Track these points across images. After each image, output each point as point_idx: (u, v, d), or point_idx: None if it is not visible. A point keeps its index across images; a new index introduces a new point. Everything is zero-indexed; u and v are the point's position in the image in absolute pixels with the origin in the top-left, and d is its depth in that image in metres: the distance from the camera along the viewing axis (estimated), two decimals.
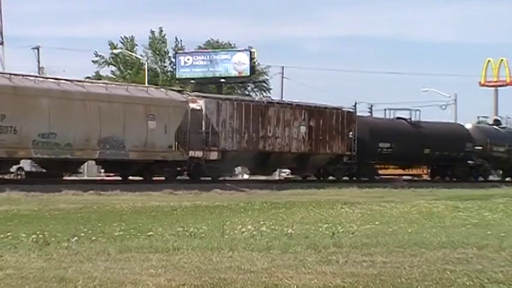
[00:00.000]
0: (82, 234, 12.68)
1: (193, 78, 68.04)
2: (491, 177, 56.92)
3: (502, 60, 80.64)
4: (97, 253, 10.17)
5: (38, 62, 66.23)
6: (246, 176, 47.80)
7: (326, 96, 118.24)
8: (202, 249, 10.59)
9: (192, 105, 36.24)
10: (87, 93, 32.64)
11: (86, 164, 38.00)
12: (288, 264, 9.32)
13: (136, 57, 75.44)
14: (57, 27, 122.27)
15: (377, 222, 16.59)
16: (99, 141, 32.60)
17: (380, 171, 50.23)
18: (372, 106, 49.13)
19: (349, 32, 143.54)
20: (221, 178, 40.62)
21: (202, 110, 36.50)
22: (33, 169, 37.13)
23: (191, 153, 35.98)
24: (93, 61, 77.70)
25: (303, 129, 41.04)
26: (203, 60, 67.64)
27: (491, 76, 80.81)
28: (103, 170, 40.02)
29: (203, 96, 38.48)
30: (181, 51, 73.85)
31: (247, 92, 78.67)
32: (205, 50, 74.10)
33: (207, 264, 9.23)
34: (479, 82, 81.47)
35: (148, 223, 16.48)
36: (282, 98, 64.27)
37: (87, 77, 65.32)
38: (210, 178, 36.91)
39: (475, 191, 37.94)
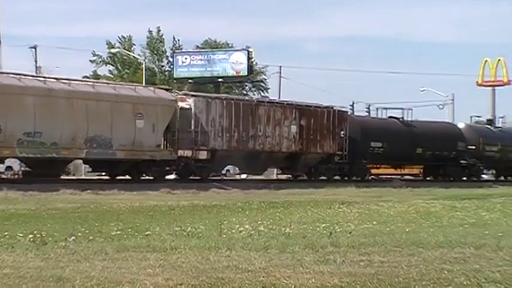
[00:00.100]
0: (79, 233, 12.68)
1: (191, 78, 68.06)
2: (485, 177, 57.00)
3: (499, 60, 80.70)
4: (94, 252, 10.17)
5: (36, 61, 66.30)
6: (243, 176, 47.72)
7: (325, 95, 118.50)
8: (199, 249, 10.60)
9: (181, 104, 35.88)
10: (74, 91, 32.24)
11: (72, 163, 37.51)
12: (285, 263, 9.33)
13: (134, 56, 75.44)
14: (55, 27, 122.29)
15: (374, 222, 16.59)
16: (86, 140, 32.25)
17: (373, 171, 50.17)
18: (369, 106, 48.87)
19: (347, 32, 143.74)
20: (219, 178, 40.72)
21: (191, 109, 36.14)
22: (27, 168, 36.95)
23: (180, 152, 35.66)
24: (90, 60, 77.79)
25: (294, 128, 40.75)
26: (201, 59, 67.68)
27: (488, 76, 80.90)
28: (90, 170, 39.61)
29: (192, 95, 38.05)
30: (179, 51, 73.87)
31: (245, 92, 78.68)
32: (203, 50, 74.13)
33: (204, 264, 9.23)
34: (477, 82, 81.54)
35: (146, 222, 16.46)
36: (279, 97, 64.29)
37: (85, 77, 65.30)
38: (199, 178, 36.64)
39: (472, 190, 37.95)
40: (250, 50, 67.02)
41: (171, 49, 77.45)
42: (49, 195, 26.12)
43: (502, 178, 55.56)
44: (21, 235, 12.28)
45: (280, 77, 72.19)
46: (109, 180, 34.83)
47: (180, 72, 67.97)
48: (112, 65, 79.21)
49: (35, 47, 66.39)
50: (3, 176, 37.90)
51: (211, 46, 77.92)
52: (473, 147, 50.61)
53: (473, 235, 12.97)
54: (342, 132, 42.83)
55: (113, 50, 75.39)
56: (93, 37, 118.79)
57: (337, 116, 42.83)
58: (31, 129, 30.58)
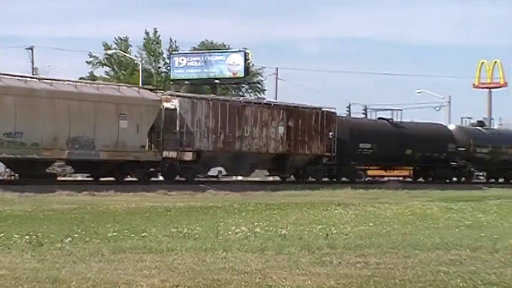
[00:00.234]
0: (76, 235, 12.67)
1: (187, 79, 68.05)
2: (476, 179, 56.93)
3: (495, 62, 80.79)
4: (91, 254, 10.16)
5: (32, 62, 66.22)
6: (240, 177, 47.67)
7: (321, 97, 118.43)
8: (196, 250, 10.60)
9: (166, 104, 35.45)
10: (55, 91, 31.79)
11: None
12: (281, 265, 9.33)
13: (130, 58, 75.42)
14: (52, 27, 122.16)
15: (371, 224, 16.60)
16: (68, 141, 31.79)
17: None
18: (366, 108, 48.58)
19: (345, 33, 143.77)
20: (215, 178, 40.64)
21: (176, 110, 35.71)
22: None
23: (165, 153, 35.21)
24: (87, 62, 77.78)
25: (281, 129, 40.32)
26: (197, 61, 67.65)
27: (485, 78, 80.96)
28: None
29: (177, 95, 37.70)
30: (176, 52, 73.85)
31: (241, 93, 78.70)
32: (200, 51, 74.14)
33: (200, 265, 9.23)
34: (473, 84, 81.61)
35: (142, 224, 16.46)
36: (276, 99, 64.31)
37: (81, 78, 65.29)
38: (184, 179, 36.22)
39: (468, 192, 37.98)
40: (247, 51, 67.01)
41: (168, 50, 77.45)
42: (45, 197, 26.10)
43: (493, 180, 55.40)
44: (17, 236, 12.27)
45: (277, 78, 72.23)
46: (105, 181, 34.71)
47: (176, 74, 67.94)
48: (108, 66, 79.20)
49: (31, 48, 66.34)
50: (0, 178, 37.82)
51: (208, 47, 77.93)
52: (464, 148, 50.18)
53: (470, 237, 12.99)
54: (331, 133, 42.36)
55: (109, 51, 75.36)
56: (89, 38, 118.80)
57: (325, 117, 42.38)
58: (11, 129, 30.14)
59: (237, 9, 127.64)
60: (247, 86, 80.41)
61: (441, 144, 49.01)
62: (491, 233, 13.76)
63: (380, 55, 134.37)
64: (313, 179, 42.20)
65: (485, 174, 57.37)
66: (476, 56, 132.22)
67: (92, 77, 73.06)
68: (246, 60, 65.43)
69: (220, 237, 12.78)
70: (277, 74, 72.30)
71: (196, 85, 67.74)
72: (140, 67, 69.24)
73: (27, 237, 11.86)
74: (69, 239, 11.90)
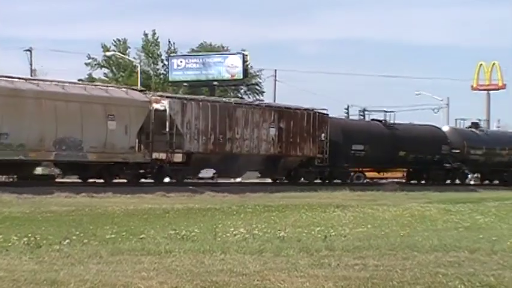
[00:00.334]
0: (74, 237, 12.66)
1: (186, 81, 68.10)
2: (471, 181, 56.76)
3: (494, 64, 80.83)
4: (89, 256, 10.16)
5: (31, 64, 66.22)
6: (238, 179, 47.65)
7: (320, 99, 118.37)
8: (194, 252, 10.59)
9: (155, 105, 35.07)
10: (42, 91, 31.35)
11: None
12: (280, 267, 9.33)
13: (129, 59, 75.44)
14: (51, 29, 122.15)
15: (369, 226, 16.60)
16: (55, 142, 31.34)
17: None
18: (364, 109, 48.47)
19: (343, 35, 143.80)
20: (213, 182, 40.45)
21: (166, 111, 35.34)
22: None
23: (155, 155, 34.82)
24: (85, 63, 77.79)
25: (273, 130, 39.89)
26: (196, 63, 67.70)
27: (483, 80, 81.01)
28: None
29: (167, 96, 37.32)
30: (174, 54, 73.92)
31: (240, 95, 78.74)
32: (198, 53, 74.17)
33: (199, 267, 9.23)
34: (472, 86, 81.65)
35: (141, 226, 16.45)
36: (274, 100, 64.31)
37: (80, 79, 65.28)
38: (174, 181, 35.90)
39: (466, 194, 37.98)
40: (245, 53, 67.08)
41: (166, 52, 77.48)
42: (43, 198, 26.08)
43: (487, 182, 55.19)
44: (15, 238, 12.26)
45: (275, 80, 72.29)
46: (104, 183, 34.65)
47: (175, 76, 67.98)
48: (107, 68, 79.22)
49: (29, 50, 66.34)
50: None
51: (207, 49, 78.00)
52: (458, 150, 49.87)
53: (468, 239, 12.99)
54: (323, 135, 41.98)
55: (108, 53, 75.38)
56: (88, 40, 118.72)
57: (317, 118, 41.97)
58: None
59: (235, 11, 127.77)
60: (245, 88, 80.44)
61: (435, 146, 48.67)
62: (490, 235, 13.77)
63: (379, 57, 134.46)
64: (305, 181, 41.83)
65: (479, 176, 57.21)
66: (475, 57, 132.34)
67: (91, 79, 73.03)
68: (244, 62, 65.48)
69: (219, 239, 12.77)
70: (275, 76, 72.41)
71: (195, 87, 67.76)
72: (139, 69, 69.25)
73: (25, 239, 11.85)
74: (67, 241, 11.89)
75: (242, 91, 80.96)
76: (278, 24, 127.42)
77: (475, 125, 55.34)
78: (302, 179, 42.39)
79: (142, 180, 35.97)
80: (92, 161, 33.02)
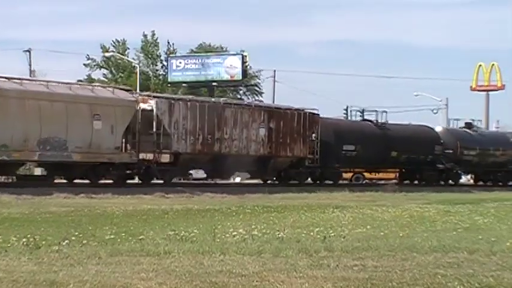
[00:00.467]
0: (73, 237, 12.65)
1: (185, 82, 68.10)
2: (462, 181, 56.54)
3: (493, 64, 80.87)
4: (88, 257, 10.15)
5: (30, 65, 66.21)
6: (237, 180, 47.66)
7: (318, 100, 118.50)
8: (193, 253, 10.59)
9: (142, 105, 34.70)
10: (25, 91, 30.95)
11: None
12: (279, 268, 9.33)
13: (128, 60, 75.44)
14: (50, 30, 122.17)
15: (368, 226, 16.59)
16: (39, 142, 30.96)
17: (347, 175, 48.95)
18: (363, 110, 48.24)
19: (342, 36, 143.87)
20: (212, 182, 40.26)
21: (153, 110, 34.82)
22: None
23: (141, 155, 34.29)
24: (84, 64, 77.78)
25: (263, 131, 39.47)
26: (195, 63, 67.70)
27: (482, 81, 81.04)
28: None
29: (154, 96, 36.97)
30: (174, 55, 73.92)
31: (239, 96, 78.77)
32: (198, 54, 74.18)
33: (198, 268, 9.23)
34: (471, 86, 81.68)
35: (140, 226, 16.45)
36: (273, 101, 64.31)
37: (79, 80, 65.29)
38: (162, 181, 35.55)
39: (466, 195, 37.99)
40: (244, 54, 67.08)
41: (166, 53, 77.51)
42: (43, 199, 26.08)
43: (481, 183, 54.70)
44: (14, 239, 12.25)
45: (275, 81, 72.28)
46: (102, 184, 34.61)
47: (174, 76, 67.99)
48: (106, 68, 79.24)
49: (28, 51, 66.32)
50: None
51: (206, 50, 78.02)
52: (451, 151, 49.45)
53: (467, 240, 12.99)
54: (314, 135, 41.61)
55: (107, 54, 75.38)
56: (87, 41, 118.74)
57: (308, 119, 41.54)
58: None
59: (234, 12, 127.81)
60: (244, 89, 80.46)
61: (427, 146, 48.26)
62: (489, 236, 13.76)
63: (378, 57, 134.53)
64: (296, 182, 41.42)
65: (473, 176, 56.99)
66: (474, 58, 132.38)
67: (90, 80, 73.04)
68: (243, 62, 65.48)
69: (218, 240, 12.77)
70: (274, 77, 72.39)
71: (194, 88, 67.76)
72: (138, 70, 69.23)
73: (24, 239, 11.85)
74: (66, 241, 11.89)
75: (241, 92, 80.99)
76: (277, 25, 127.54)
77: (469, 125, 54.98)
78: (293, 180, 41.96)
79: (129, 181, 35.62)
80: (77, 162, 32.58)
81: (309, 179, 43.17)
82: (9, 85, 31.01)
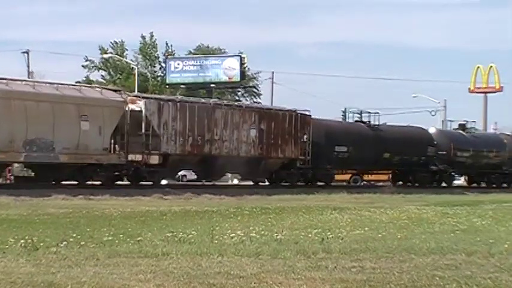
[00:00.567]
0: (71, 239, 12.66)
1: (183, 84, 68.11)
2: (459, 183, 56.40)
3: (491, 66, 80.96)
4: (86, 258, 10.15)
5: (28, 66, 66.19)
6: (235, 181, 47.67)
7: (317, 101, 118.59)
8: (191, 255, 10.59)
9: (131, 106, 34.48)
10: (11, 91, 30.67)
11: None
12: (277, 269, 9.33)
13: (126, 62, 75.44)
14: (49, 31, 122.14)
15: (366, 228, 16.59)
16: (25, 143, 30.61)
17: (339, 177, 48.63)
18: (361, 112, 48.11)
19: (340, 38, 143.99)
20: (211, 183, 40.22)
21: (142, 111, 34.56)
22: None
23: (130, 156, 34.07)
24: (82, 66, 77.78)
25: (253, 132, 39.25)
26: (193, 65, 67.73)
27: (480, 82, 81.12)
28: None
29: (143, 97, 36.71)
30: (172, 56, 73.93)
31: (237, 97, 78.79)
32: (196, 55, 74.20)
33: (196, 270, 9.23)
34: (469, 88, 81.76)
35: (138, 228, 16.45)
36: (272, 103, 64.39)
37: (77, 82, 65.28)
38: (151, 183, 35.38)
39: (464, 197, 38.00)
40: (242, 55, 67.14)
41: (164, 54, 77.53)
42: (41, 201, 26.08)
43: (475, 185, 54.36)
44: (12, 240, 12.25)
45: (273, 82, 72.34)
46: (101, 185, 34.55)
47: (172, 78, 68.00)
48: (104, 70, 79.24)
49: (27, 52, 66.30)
50: None
51: (204, 52, 78.04)
52: (444, 152, 49.21)
53: (465, 241, 12.99)
54: (305, 136, 41.31)
55: (105, 55, 75.39)
56: (86, 42, 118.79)
57: (299, 120, 41.30)
58: None
59: (233, 14, 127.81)
60: (243, 90, 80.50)
61: (420, 147, 47.99)
62: (487, 238, 13.77)
63: (377, 59, 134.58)
64: (287, 183, 41.30)
65: (466, 178, 56.83)
66: (472, 60, 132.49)
67: (88, 81, 73.07)
68: (241, 64, 65.51)
69: (216, 242, 12.77)
70: (272, 78, 72.48)
71: (192, 89, 67.79)
72: (136, 71, 69.24)
73: (22, 241, 11.85)
74: (64, 243, 11.88)
75: (239, 93, 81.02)
76: (276, 27, 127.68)
77: (462, 126, 54.83)
78: (284, 181, 41.78)
79: (118, 182, 35.42)
80: (64, 163, 32.29)
81: (301, 180, 42.86)
82: None
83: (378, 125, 47.20)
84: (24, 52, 66.18)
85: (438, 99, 77.01)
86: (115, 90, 36.58)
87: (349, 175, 52.78)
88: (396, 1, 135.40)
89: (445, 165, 49.66)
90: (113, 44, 77.94)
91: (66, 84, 34.45)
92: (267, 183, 42.42)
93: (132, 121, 34.35)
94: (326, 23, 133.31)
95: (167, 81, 69.40)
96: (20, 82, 32.46)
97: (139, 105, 34.91)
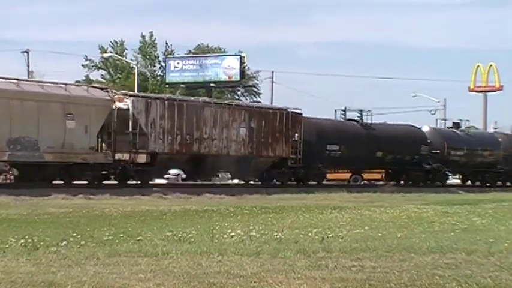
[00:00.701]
0: (71, 238, 12.65)
1: (183, 83, 68.14)
2: (454, 181, 56.24)
3: (491, 65, 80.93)
4: (86, 258, 10.15)
5: (28, 65, 66.20)
6: (236, 180, 47.58)
7: (317, 101, 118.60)
8: (191, 254, 10.59)
9: (118, 104, 34.09)
10: None
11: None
12: (277, 269, 9.33)
13: (126, 61, 75.45)
14: (50, 30, 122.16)
15: (366, 227, 16.60)
16: (9, 142, 30.24)
17: (330, 176, 48.49)
18: (361, 111, 47.98)
19: (340, 37, 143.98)
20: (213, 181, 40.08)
21: (129, 110, 34.12)
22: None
23: (117, 155, 33.67)
24: (82, 65, 77.81)
25: (243, 130, 38.89)
26: (193, 64, 67.73)
27: (480, 81, 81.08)
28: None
29: (130, 95, 36.27)
30: (172, 56, 73.95)
31: (237, 97, 78.81)
32: (195, 55, 74.21)
33: (196, 269, 9.23)
34: (468, 87, 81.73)
35: (138, 227, 16.45)
36: (271, 102, 64.41)
37: (77, 81, 65.29)
38: (139, 182, 35.14)
39: (463, 196, 37.98)
40: (242, 55, 67.15)
41: (164, 54, 77.55)
42: (41, 200, 26.07)
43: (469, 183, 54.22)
44: (12, 240, 12.25)
45: (273, 82, 72.35)
46: (100, 185, 34.51)
47: (172, 77, 68.01)
48: (104, 69, 79.27)
49: (27, 51, 66.32)
50: None
51: (204, 51, 78.06)
52: (438, 151, 48.85)
53: (465, 241, 12.99)
54: (296, 135, 40.95)
55: (105, 55, 75.39)
56: (86, 42, 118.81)
57: (290, 118, 40.89)
58: None
59: (232, 13, 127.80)
60: (242, 90, 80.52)
61: (414, 146, 47.64)
62: (487, 237, 13.76)
63: (377, 58, 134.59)
64: (279, 183, 41.05)
65: (460, 177, 56.67)
66: (472, 59, 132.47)
67: (88, 81, 73.10)
68: (241, 63, 65.53)
69: (216, 241, 12.77)
70: (272, 78, 72.51)
71: (192, 88, 67.81)
72: (136, 70, 69.25)
73: (22, 240, 11.84)
74: (64, 242, 11.88)
75: (239, 93, 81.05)
76: (276, 26, 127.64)
77: (456, 125, 54.57)
78: (275, 180, 41.49)
79: (105, 182, 35.10)
80: (50, 162, 31.89)
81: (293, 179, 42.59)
82: None
83: (371, 123, 46.79)
84: (23, 52, 66.25)
85: (438, 98, 77.09)
86: (102, 89, 36.25)
87: (349, 174, 52.69)
88: (396, 1, 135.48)
89: (438, 164, 49.33)
90: (112, 44, 78.01)
91: (52, 83, 34.12)
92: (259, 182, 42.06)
93: (119, 119, 33.97)
94: (326, 23, 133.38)
95: (167, 81, 69.42)
96: (3, 80, 32.02)
97: (126, 104, 34.48)
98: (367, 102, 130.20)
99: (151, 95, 40.83)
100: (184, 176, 42.46)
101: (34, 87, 32.26)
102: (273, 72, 72.87)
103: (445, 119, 56.60)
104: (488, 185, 52.46)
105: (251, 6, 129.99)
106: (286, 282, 8.46)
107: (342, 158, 43.86)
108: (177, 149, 36.36)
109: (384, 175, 50.41)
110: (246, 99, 77.01)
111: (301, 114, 42.07)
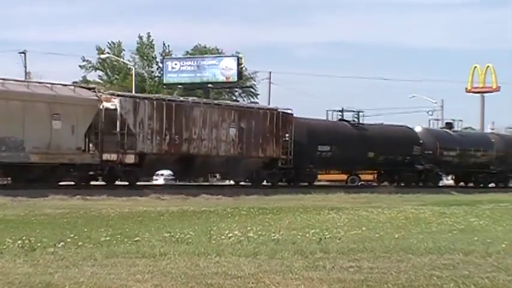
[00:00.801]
0: (68, 239, 12.64)
1: (180, 84, 68.12)
2: (447, 182, 56.11)
3: (488, 66, 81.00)
4: (83, 258, 10.14)
5: (25, 66, 66.13)
6: (232, 182, 47.54)
7: (315, 102, 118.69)
8: (189, 255, 10.58)
9: (105, 104, 33.51)
10: None
11: None
12: (275, 269, 9.33)
13: (123, 62, 75.42)
14: (49, 31, 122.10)
15: (364, 228, 16.60)
16: None
17: (322, 177, 48.22)
18: (359, 112, 47.94)
19: (338, 38, 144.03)
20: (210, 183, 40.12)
21: (117, 110, 33.70)
22: None
23: (105, 156, 33.31)
24: (80, 66, 77.76)
25: (233, 131, 38.47)
26: (190, 65, 67.72)
27: (477, 82, 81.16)
28: None
29: (118, 95, 35.39)
30: (169, 57, 73.95)
31: (234, 98, 78.80)
32: (193, 56, 74.22)
33: (194, 270, 9.22)
34: (466, 88, 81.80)
35: (135, 228, 16.45)
36: (269, 103, 64.40)
37: (74, 82, 65.23)
38: (130, 183, 34.83)
39: (461, 196, 38.01)
40: (240, 56, 67.18)
41: (161, 55, 77.54)
42: (38, 201, 26.05)
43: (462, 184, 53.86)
44: (10, 241, 12.23)
45: (270, 82, 72.35)
46: (98, 185, 34.48)
47: (169, 78, 67.99)
48: (101, 70, 79.23)
49: (24, 52, 66.25)
50: None
51: (201, 52, 78.07)
52: (430, 151, 48.52)
53: (462, 241, 13.00)
54: (287, 135, 40.58)
55: (102, 56, 75.36)
56: (83, 42, 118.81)
57: (281, 118, 40.49)
58: None
59: (230, 14, 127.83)
60: (240, 91, 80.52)
61: (406, 147, 47.30)
62: (484, 237, 13.78)
63: (376, 59, 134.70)
64: (269, 184, 40.77)
65: (453, 177, 56.48)
66: (470, 60, 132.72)
67: (85, 81, 73.04)
68: (239, 64, 65.54)
69: (213, 242, 12.76)
70: (270, 78, 72.48)
71: (190, 89, 67.79)
72: (133, 71, 69.22)
73: (19, 241, 11.83)
74: (61, 243, 11.87)
75: (237, 94, 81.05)
76: (275, 27, 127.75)
77: (449, 125, 54.34)
78: (266, 181, 41.17)
79: (93, 182, 34.92)
80: (35, 163, 31.49)
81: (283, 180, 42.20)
82: None
83: (362, 124, 46.48)
84: (21, 53, 66.16)
85: (436, 99, 77.14)
86: (89, 89, 35.91)
87: (347, 175, 52.59)
88: (396, 1, 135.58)
89: (431, 165, 48.99)
90: (110, 45, 77.97)
91: (38, 82, 33.65)
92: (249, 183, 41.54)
93: (106, 120, 33.66)
94: (326, 23, 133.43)
95: (164, 82, 69.38)
96: None
97: (114, 104, 34.14)
98: (367, 103, 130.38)
99: (140, 94, 40.46)
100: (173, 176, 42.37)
101: (19, 87, 31.94)
102: (270, 73, 72.90)
103: (437, 119, 56.38)
104: (481, 185, 52.32)
105: (250, 6, 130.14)
106: (283, 283, 8.46)
107: (334, 159, 43.50)
108: (166, 150, 36.05)
109: (375, 176, 50.12)
110: (244, 100, 77.00)
111: (292, 114, 41.74)
